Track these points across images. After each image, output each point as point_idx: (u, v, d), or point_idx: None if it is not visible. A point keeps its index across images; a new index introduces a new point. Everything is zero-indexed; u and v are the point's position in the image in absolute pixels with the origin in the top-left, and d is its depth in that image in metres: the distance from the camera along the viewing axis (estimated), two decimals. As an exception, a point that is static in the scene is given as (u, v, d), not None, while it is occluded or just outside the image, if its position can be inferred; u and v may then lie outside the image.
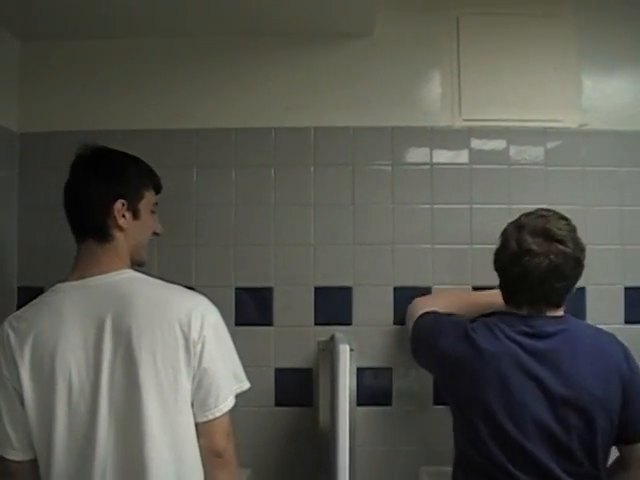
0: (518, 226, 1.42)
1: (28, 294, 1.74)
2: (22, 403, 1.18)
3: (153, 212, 1.37)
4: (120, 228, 1.27)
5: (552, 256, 1.35)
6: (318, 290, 1.82)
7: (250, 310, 1.81)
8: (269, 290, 1.82)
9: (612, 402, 1.33)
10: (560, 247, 1.36)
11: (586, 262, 1.42)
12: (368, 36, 1.84)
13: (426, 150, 1.85)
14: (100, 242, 1.26)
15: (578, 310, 1.71)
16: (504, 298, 1.45)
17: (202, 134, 1.84)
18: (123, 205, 1.27)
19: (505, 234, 1.44)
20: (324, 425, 1.69)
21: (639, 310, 1.81)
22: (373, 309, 1.82)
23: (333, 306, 1.82)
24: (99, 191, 1.27)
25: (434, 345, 1.47)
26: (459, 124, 1.85)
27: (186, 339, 1.18)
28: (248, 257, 1.82)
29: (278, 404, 1.76)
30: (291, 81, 1.86)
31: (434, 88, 1.87)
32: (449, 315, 1.55)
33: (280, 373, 1.80)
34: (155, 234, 1.39)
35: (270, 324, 1.81)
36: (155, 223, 1.38)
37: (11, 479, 1.22)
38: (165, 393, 1.16)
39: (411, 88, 1.86)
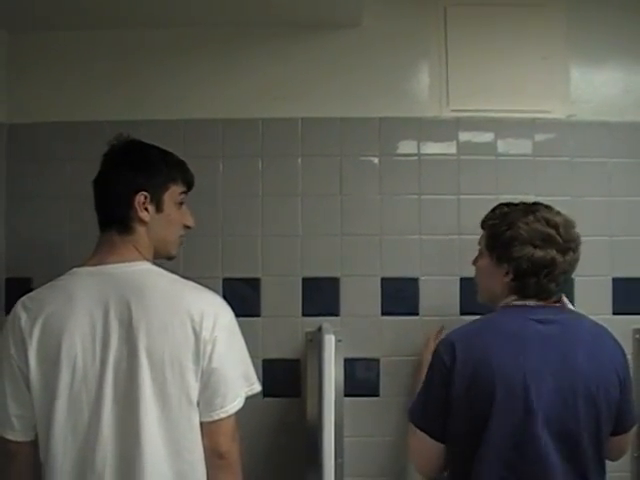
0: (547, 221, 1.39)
1: (16, 286, 1.76)
2: (27, 384, 1.18)
3: (181, 204, 1.35)
4: (141, 221, 1.27)
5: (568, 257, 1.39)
6: (306, 281, 1.82)
7: (238, 301, 1.80)
8: (257, 281, 1.82)
9: (614, 393, 1.33)
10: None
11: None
12: (356, 27, 1.84)
13: (414, 141, 1.84)
14: (120, 233, 1.27)
15: (566, 301, 1.71)
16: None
17: (189, 125, 1.84)
18: (145, 198, 1.27)
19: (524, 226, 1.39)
20: (312, 416, 1.69)
21: (627, 301, 1.81)
22: (361, 300, 1.81)
23: (321, 297, 1.82)
24: (122, 182, 1.27)
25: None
26: (447, 114, 1.85)
27: (197, 338, 1.18)
28: (236, 248, 1.82)
29: (266, 395, 1.75)
30: (278, 72, 1.85)
31: (422, 78, 1.86)
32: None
33: (268, 364, 1.79)
34: (186, 227, 1.38)
35: (258, 315, 1.81)
36: (184, 216, 1.36)
37: (10, 459, 1.24)
38: (168, 388, 1.16)
39: (399, 79, 1.86)
